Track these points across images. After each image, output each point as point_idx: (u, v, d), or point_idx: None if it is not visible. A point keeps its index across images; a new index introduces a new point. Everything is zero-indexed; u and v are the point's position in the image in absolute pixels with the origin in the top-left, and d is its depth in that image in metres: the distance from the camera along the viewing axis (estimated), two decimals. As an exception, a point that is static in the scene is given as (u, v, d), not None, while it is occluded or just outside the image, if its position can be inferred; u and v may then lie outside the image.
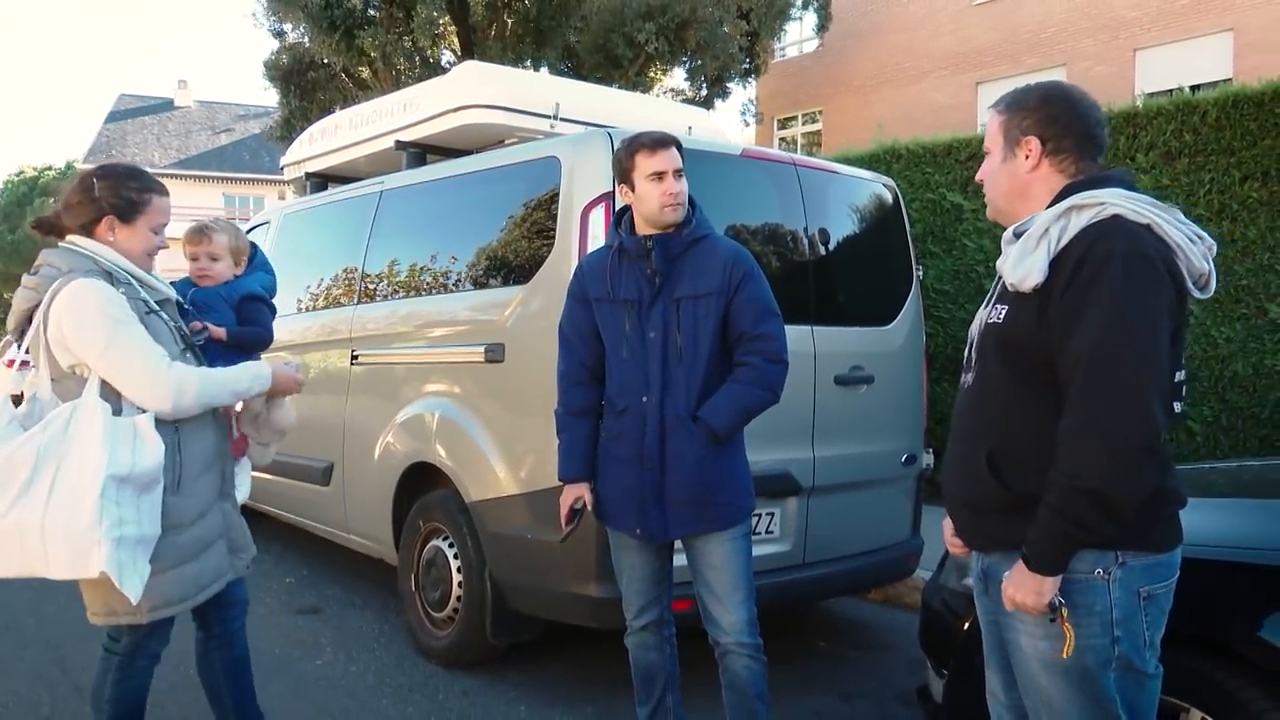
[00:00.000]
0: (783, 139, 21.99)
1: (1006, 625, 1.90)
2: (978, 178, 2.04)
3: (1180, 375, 1.79)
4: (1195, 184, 5.51)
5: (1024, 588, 1.75)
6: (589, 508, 2.89)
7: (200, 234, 3.16)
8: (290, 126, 16.78)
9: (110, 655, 2.66)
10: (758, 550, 3.71)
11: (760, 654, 2.83)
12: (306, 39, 16.16)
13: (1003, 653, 2.01)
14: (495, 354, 3.81)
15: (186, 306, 2.89)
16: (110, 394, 2.44)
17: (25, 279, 2.53)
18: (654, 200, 2.76)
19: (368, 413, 4.57)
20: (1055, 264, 1.75)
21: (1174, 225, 1.75)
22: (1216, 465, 3.44)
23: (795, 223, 4.01)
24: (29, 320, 2.49)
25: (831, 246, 4.14)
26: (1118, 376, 1.67)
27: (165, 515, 2.45)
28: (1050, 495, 1.72)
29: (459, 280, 4.20)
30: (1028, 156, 1.90)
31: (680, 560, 2.97)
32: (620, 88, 16.09)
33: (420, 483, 4.24)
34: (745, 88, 19.73)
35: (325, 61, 16.39)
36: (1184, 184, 5.53)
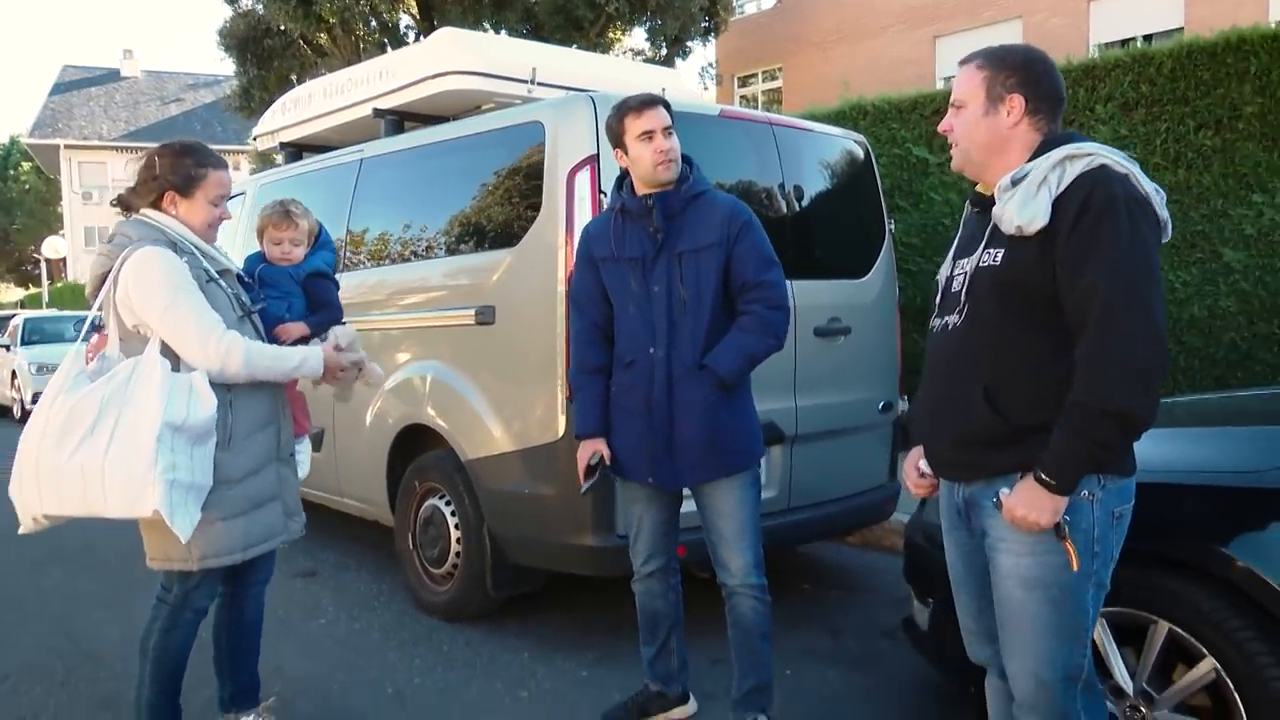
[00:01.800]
0: (743, 97, 21.99)
1: (990, 547, 2.02)
2: (942, 128, 2.13)
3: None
4: (1152, 134, 5.70)
5: (1038, 506, 1.86)
6: (606, 461, 3.00)
7: (287, 219, 3.23)
8: (249, 96, 16.60)
9: (161, 605, 2.80)
10: (746, 498, 3.90)
11: (765, 594, 2.97)
12: (261, 6, 15.91)
13: (976, 581, 2.15)
14: (486, 316, 3.91)
15: (248, 280, 3.00)
16: (169, 353, 2.60)
17: (100, 246, 2.70)
18: (647, 160, 2.87)
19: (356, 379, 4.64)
20: (1057, 207, 1.86)
21: (1143, 177, 1.90)
22: (1177, 400, 3.64)
23: (772, 180, 4.13)
24: (102, 283, 2.66)
25: (807, 203, 4.27)
26: (1134, 305, 1.79)
27: (215, 470, 2.61)
28: (1073, 419, 1.82)
29: (446, 245, 4.28)
30: (1009, 113, 2.00)
31: (686, 507, 3.11)
32: (581, 49, 16.05)
33: (413, 444, 4.35)
34: (705, 46, 19.75)
35: (282, 28, 16.15)
36: (1141, 134, 5.71)
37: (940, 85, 14.31)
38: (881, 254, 4.56)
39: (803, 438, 4.08)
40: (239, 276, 2.96)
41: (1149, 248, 1.84)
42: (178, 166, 2.72)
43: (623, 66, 6.02)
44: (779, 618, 4.09)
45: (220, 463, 2.65)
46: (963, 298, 2.05)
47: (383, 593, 4.67)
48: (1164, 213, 1.91)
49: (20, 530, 2.69)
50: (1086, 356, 1.83)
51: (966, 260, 2.07)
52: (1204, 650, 2.31)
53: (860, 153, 4.64)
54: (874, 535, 5.24)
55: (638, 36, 18.62)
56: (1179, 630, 2.36)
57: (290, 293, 3.21)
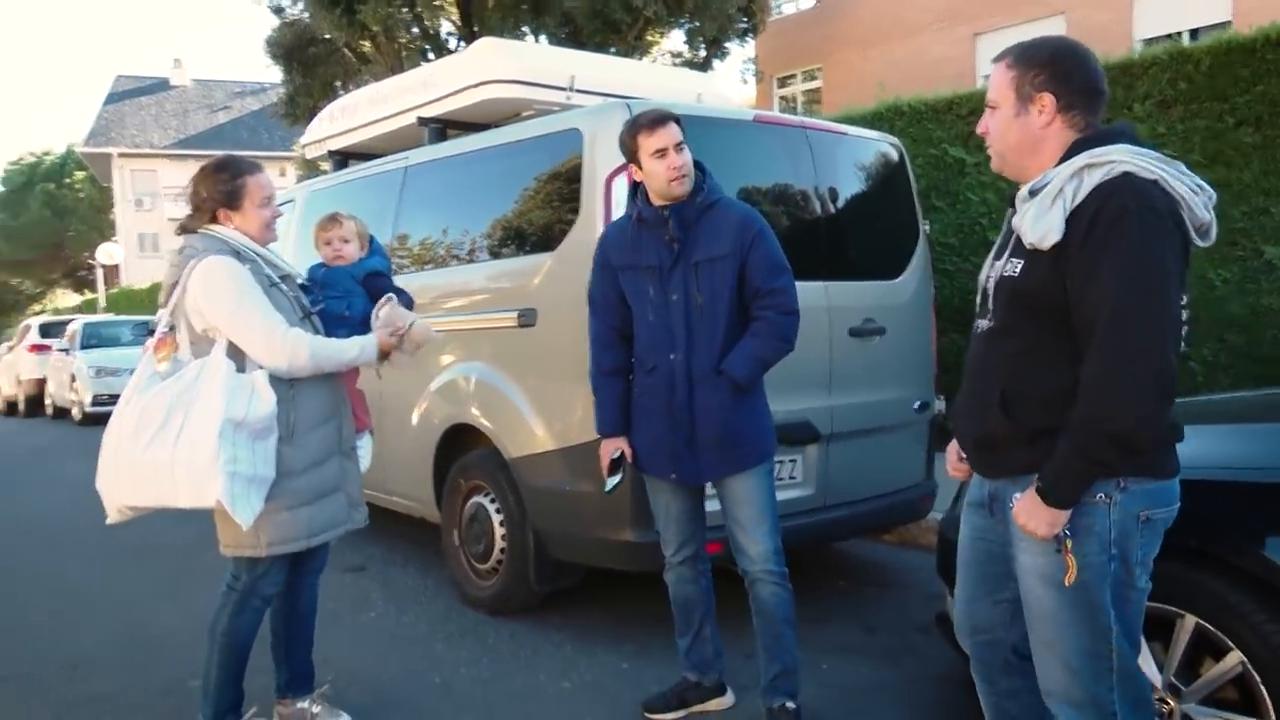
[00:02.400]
0: (782, 98, 21.96)
1: (1010, 542, 2.06)
2: (979, 130, 2.12)
3: (1184, 316, 1.90)
4: (1190, 131, 5.67)
5: (1037, 517, 1.90)
6: (628, 458, 3.12)
7: (332, 221, 3.40)
8: (295, 103, 16.92)
9: (230, 592, 2.97)
10: (783, 495, 3.95)
11: (786, 581, 3.08)
12: (307, 15, 16.22)
13: (979, 569, 2.20)
14: (527, 318, 4.03)
15: (306, 283, 3.19)
16: (235, 353, 2.78)
17: (170, 257, 2.90)
18: (660, 176, 2.98)
19: (403, 379, 4.78)
20: (1070, 220, 1.85)
21: (1178, 179, 1.85)
22: (1213, 397, 3.66)
23: (806, 183, 4.21)
24: (172, 292, 2.84)
25: (841, 205, 4.34)
26: (1137, 326, 1.78)
27: (279, 462, 2.79)
28: (1073, 436, 1.84)
29: (489, 250, 4.41)
30: (1041, 112, 1.96)
31: (711, 506, 3.22)
32: (618, 52, 16.16)
33: (459, 444, 4.48)
34: (744, 46, 19.77)
35: (327, 37, 16.46)
36: (1179, 131, 5.69)
37: (980, 84, 14.23)
38: (916, 255, 4.61)
39: (838, 436, 4.15)
40: (300, 283, 3.13)
41: (1161, 263, 1.79)
42: (217, 184, 2.90)
43: (659, 72, 6.13)
44: (814, 613, 4.20)
45: (283, 455, 2.82)
46: (990, 303, 2.08)
47: (429, 587, 4.81)
48: (1204, 215, 1.86)
49: (108, 521, 2.89)
50: (1089, 375, 1.83)
51: (996, 263, 2.09)
52: (1230, 644, 2.36)
53: (894, 155, 4.70)
54: (910, 533, 5.29)
55: (675, 39, 18.69)
56: (1206, 624, 2.40)
57: (350, 291, 3.35)
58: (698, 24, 16.98)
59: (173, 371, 2.81)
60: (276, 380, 2.82)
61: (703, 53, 18.67)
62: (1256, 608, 2.31)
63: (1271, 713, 2.28)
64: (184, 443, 2.67)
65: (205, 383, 2.73)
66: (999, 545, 2.13)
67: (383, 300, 3.17)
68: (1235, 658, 2.35)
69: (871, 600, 4.51)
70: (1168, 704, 2.49)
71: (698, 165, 3.08)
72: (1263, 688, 2.30)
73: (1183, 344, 1.91)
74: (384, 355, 3.08)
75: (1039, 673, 2.07)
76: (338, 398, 3.08)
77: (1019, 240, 1.98)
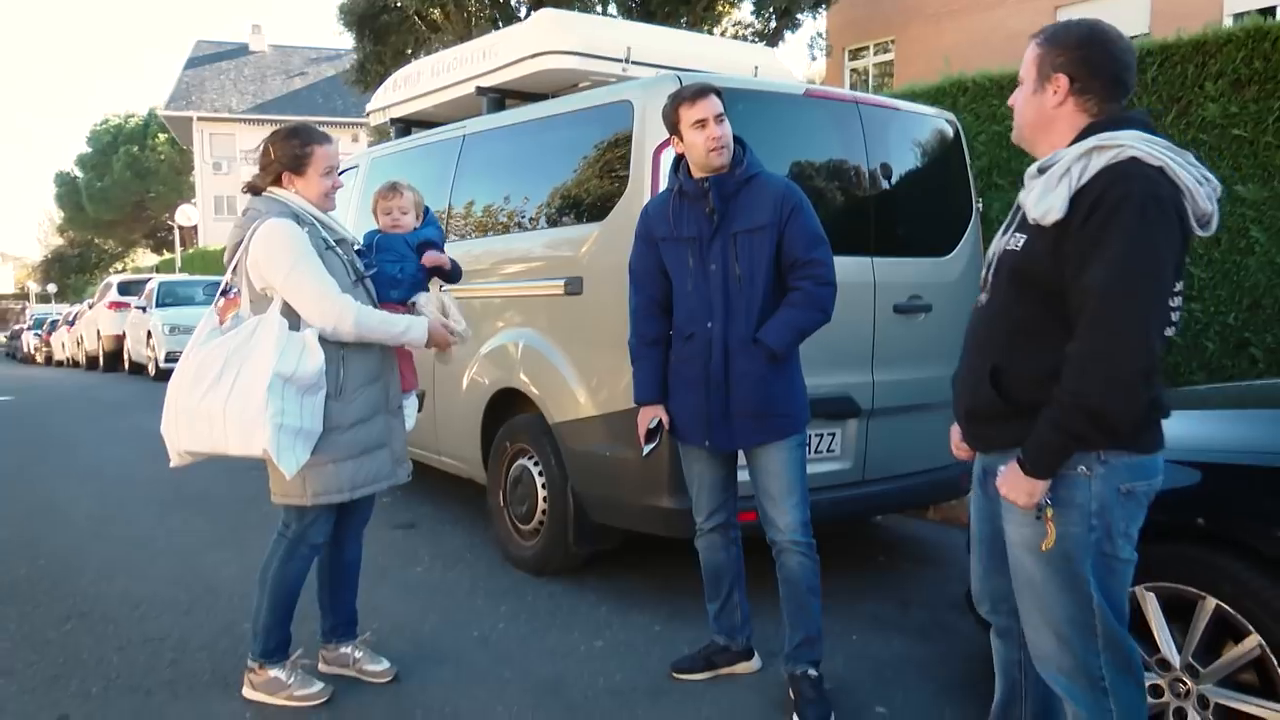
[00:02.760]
0: (854, 70, 21.63)
1: (1000, 515, 2.14)
2: (1009, 102, 2.16)
3: (1176, 302, 1.93)
4: (1264, 111, 5.51)
5: (1017, 488, 1.97)
6: (665, 426, 3.20)
7: (393, 190, 3.55)
8: (365, 70, 17.17)
9: (281, 539, 3.15)
10: (820, 468, 4.03)
11: (813, 552, 3.13)
12: (380, -17, 16.42)
13: (989, 544, 2.27)
14: (574, 287, 4.11)
15: (361, 248, 3.34)
16: (290, 312, 2.93)
17: (236, 219, 3.05)
18: (700, 147, 3.03)
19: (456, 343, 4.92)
20: (1075, 201, 1.88)
21: (1185, 168, 1.87)
22: (1254, 383, 3.60)
23: (856, 158, 4.20)
24: (236, 252, 3.01)
25: (892, 181, 4.32)
26: (1124, 311, 1.82)
27: (327, 418, 2.95)
28: (1053, 410, 1.90)
29: (539, 219, 4.50)
30: (1055, 92, 2.01)
31: (743, 476, 3.28)
32: (687, 23, 16.07)
33: (506, 408, 4.60)
34: (815, 19, 19.50)
35: (398, 4, 16.64)
36: (1252, 112, 5.53)
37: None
38: (967, 232, 4.58)
39: (879, 412, 4.16)
40: (355, 245, 3.27)
41: (1156, 251, 1.83)
42: (287, 149, 3.04)
43: (717, 44, 6.12)
44: (851, 587, 4.25)
45: (332, 411, 2.98)
46: (990, 278, 2.14)
47: (475, 546, 4.96)
48: (1207, 205, 1.88)
49: (171, 464, 3.08)
50: (1074, 353, 1.88)
51: (1002, 240, 2.14)
52: (1250, 627, 2.36)
53: (950, 131, 4.66)
54: (953, 511, 5.29)
55: (745, 9, 18.51)
56: (1226, 607, 2.41)
57: (405, 256, 3.48)
58: (767, -6, 16.78)
59: (232, 327, 2.97)
60: (327, 340, 2.95)
61: (773, 24, 18.47)
62: (1276, 591, 2.31)
63: (1288, 697, 2.29)
64: (236, 394, 2.83)
65: (259, 338, 2.88)
66: (996, 518, 2.19)
67: (436, 291, 3.35)
68: (1254, 640, 2.35)
69: (910, 576, 4.54)
70: (1185, 684, 2.50)
71: (738, 140, 3.13)
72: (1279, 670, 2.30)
73: (1172, 329, 1.93)
74: (434, 344, 3.23)
75: (1030, 641, 2.14)
76: (386, 359, 3.21)
77: (1024, 216, 2.03)
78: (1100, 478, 1.96)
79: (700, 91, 3.06)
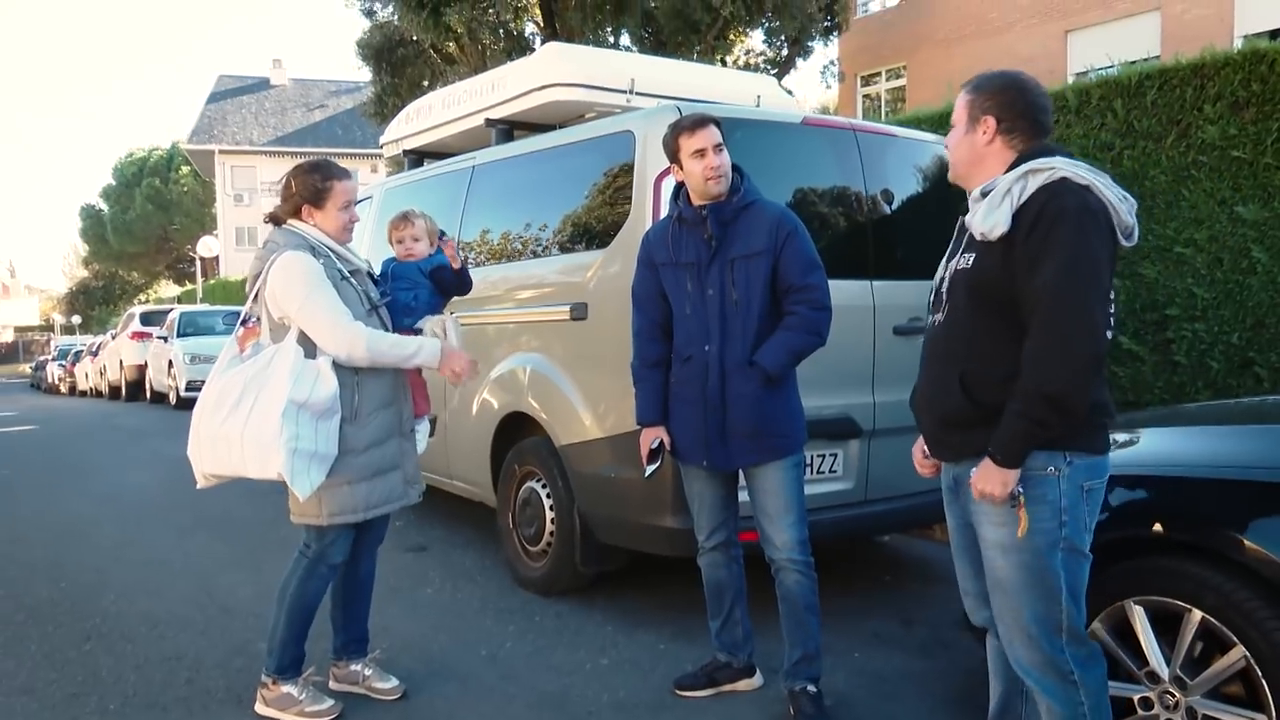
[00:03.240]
0: (866, 96, 21.80)
1: (974, 520, 2.29)
2: (945, 144, 2.43)
3: (1110, 309, 2.14)
4: (1263, 133, 5.56)
5: (991, 480, 2.14)
6: (667, 446, 3.28)
7: (404, 220, 3.68)
8: (383, 103, 17.46)
9: (301, 558, 3.25)
10: (822, 488, 4.09)
11: (810, 570, 3.20)
12: (395, 17, 16.74)
13: (971, 551, 2.40)
14: (579, 312, 4.21)
15: (376, 277, 3.46)
16: (306, 341, 3.07)
17: (257, 251, 3.19)
18: (698, 175, 3.14)
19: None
20: (1017, 216, 2.11)
21: (1108, 187, 2.11)
22: (1241, 400, 3.65)
23: (855, 184, 4.29)
24: (255, 282, 3.15)
25: (889, 206, 4.41)
26: (1072, 306, 2.03)
27: (342, 440, 3.07)
28: (1016, 402, 2.09)
29: (545, 246, 4.61)
30: (984, 132, 2.25)
31: (744, 496, 3.35)
32: (699, 52, 16.29)
33: (515, 431, 4.69)
34: (827, 45, 19.69)
35: (414, 39, 16.96)
36: (1251, 133, 5.58)
37: (1071, 81, 13.93)
38: (966, 255, 4.65)
39: (880, 432, 4.23)
40: (371, 275, 3.40)
41: (1094, 254, 2.05)
42: (308, 183, 3.18)
43: (719, 75, 6.25)
44: (856, 605, 4.30)
45: (347, 434, 3.10)
46: (944, 297, 2.31)
47: (485, 568, 5.04)
48: (1128, 219, 2.12)
49: (197, 486, 3.22)
50: (1030, 348, 2.09)
51: (950, 263, 2.32)
52: (1235, 639, 2.41)
53: (947, 156, 4.73)
54: (959, 532, 5.31)
55: (756, 38, 18.71)
56: (1211, 619, 2.45)
57: (418, 284, 3.60)
58: (778, 23, 16.99)
59: (252, 355, 3.12)
60: (343, 366, 3.08)
61: (784, 52, 18.68)
62: (1260, 603, 2.36)
63: (1273, 707, 2.33)
64: (253, 419, 2.97)
65: (275, 366, 3.02)
66: (973, 526, 2.31)
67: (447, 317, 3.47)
68: (1239, 652, 2.39)
69: (914, 595, 4.59)
70: (1174, 696, 2.54)
71: (736, 168, 3.23)
72: (1264, 681, 2.34)
73: (1109, 334, 2.13)
74: (445, 368, 3.31)
75: (1004, 638, 2.28)
76: (399, 384, 3.33)
77: (971, 238, 2.22)
78: (1067, 477, 2.15)
79: (699, 122, 3.17)
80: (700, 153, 3.13)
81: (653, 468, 3.33)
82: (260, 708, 3.25)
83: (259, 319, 3.21)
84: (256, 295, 3.15)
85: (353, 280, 3.21)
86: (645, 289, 3.36)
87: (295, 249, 3.10)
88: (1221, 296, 5.69)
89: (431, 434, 5.21)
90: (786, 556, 3.17)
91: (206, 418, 3.08)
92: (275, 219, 3.25)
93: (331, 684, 3.43)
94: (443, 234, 3.76)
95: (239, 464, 3.03)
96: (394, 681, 3.42)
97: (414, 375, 3.50)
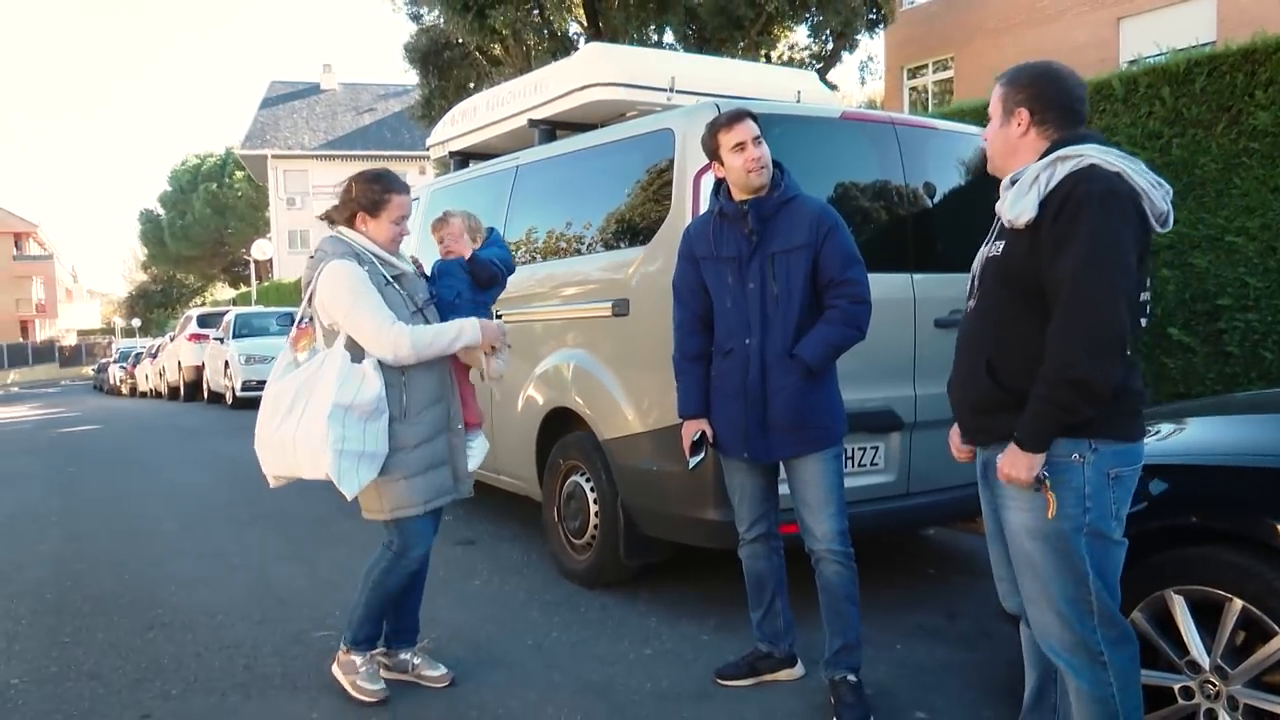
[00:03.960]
0: (913, 88, 21.58)
1: (1000, 505, 2.32)
2: (983, 136, 2.44)
3: (1145, 295, 2.16)
4: (1317, 119, 5.46)
5: (1017, 464, 2.16)
6: (709, 439, 3.33)
7: (441, 221, 3.79)
8: (430, 105, 17.68)
9: (387, 551, 3.39)
10: (864, 481, 4.11)
11: (850, 561, 3.22)
12: (442, 21, 16.95)
13: (1002, 537, 2.41)
14: (621, 309, 4.27)
15: (426, 275, 3.58)
16: (353, 345, 3.18)
17: (308, 259, 3.31)
18: (739, 168, 3.17)
19: (512, 365, 5.11)
20: (1044, 203, 2.12)
21: (1140, 173, 2.11)
22: (1265, 391, 3.60)
23: (894, 178, 4.30)
24: (308, 288, 3.28)
25: (930, 199, 4.41)
26: (1095, 289, 2.05)
27: (394, 438, 3.20)
28: (1041, 387, 2.11)
29: (588, 244, 4.68)
30: (1019, 124, 2.28)
31: (784, 490, 3.39)
32: (743, 48, 16.27)
33: (559, 426, 4.77)
34: (873, 38, 19.56)
35: (459, 41, 17.16)
36: (1305, 119, 5.48)
37: (1120, 68, 13.65)
38: (1009, 247, 4.63)
39: (921, 425, 4.23)
40: (423, 274, 3.54)
41: (1119, 239, 2.06)
42: (368, 192, 3.28)
43: (759, 71, 6.27)
44: (899, 598, 4.31)
45: (398, 432, 3.22)
46: (976, 283, 2.35)
47: (531, 561, 5.12)
48: (1163, 205, 2.12)
49: (270, 486, 3.38)
50: (1054, 333, 2.11)
51: (984, 250, 2.36)
52: (1276, 627, 2.39)
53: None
54: (1005, 525, 5.28)
55: (800, 33, 18.63)
56: (1252, 608, 2.44)
57: (459, 279, 3.70)
58: (822, 17, 16.91)
59: (308, 360, 3.25)
60: (390, 368, 3.19)
61: (829, 46, 18.58)
62: (1303, 592, 2.34)
63: (1314, 697, 2.32)
64: (304, 424, 3.11)
65: (324, 371, 3.15)
66: (999, 510, 2.35)
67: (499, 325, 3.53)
68: (1280, 641, 2.38)
69: (958, 588, 4.58)
70: (1214, 686, 2.54)
71: (776, 164, 3.26)
72: (1306, 672, 2.33)
73: (1145, 319, 2.15)
74: (486, 343, 3.42)
75: (1033, 620, 2.31)
76: (445, 382, 3.43)
77: (1001, 225, 2.26)
78: (1091, 464, 2.16)
79: (736, 116, 3.21)
80: (740, 146, 3.17)
81: (696, 459, 3.37)
82: (334, 668, 3.47)
83: (311, 319, 3.32)
84: (310, 299, 3.26)
85: (397, 285, 3.31)
86: (686, 283, 3.41)
87: (341, 257, 3.21)
88: (1275, 285, 5.59)
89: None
90: (826, 547, 3.21)
91: (265, 423, 3.23)
92: (330, 219, 3.35)
93: (381, 672, 3.53)
94: (478, 260, 3.77)
95: (295, 465, 3.19)
96: (443, 669, 3.52)
97: (463, 380, 3.59)
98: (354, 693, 3.36)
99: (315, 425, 3.07)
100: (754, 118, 3.23)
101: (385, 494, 3.25)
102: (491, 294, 3.84)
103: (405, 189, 3.35)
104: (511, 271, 3.91)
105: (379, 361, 3.18)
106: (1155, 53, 7.93)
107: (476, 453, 3.60)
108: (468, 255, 3.73)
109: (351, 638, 3.43)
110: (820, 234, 3.15)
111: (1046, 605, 2.25)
